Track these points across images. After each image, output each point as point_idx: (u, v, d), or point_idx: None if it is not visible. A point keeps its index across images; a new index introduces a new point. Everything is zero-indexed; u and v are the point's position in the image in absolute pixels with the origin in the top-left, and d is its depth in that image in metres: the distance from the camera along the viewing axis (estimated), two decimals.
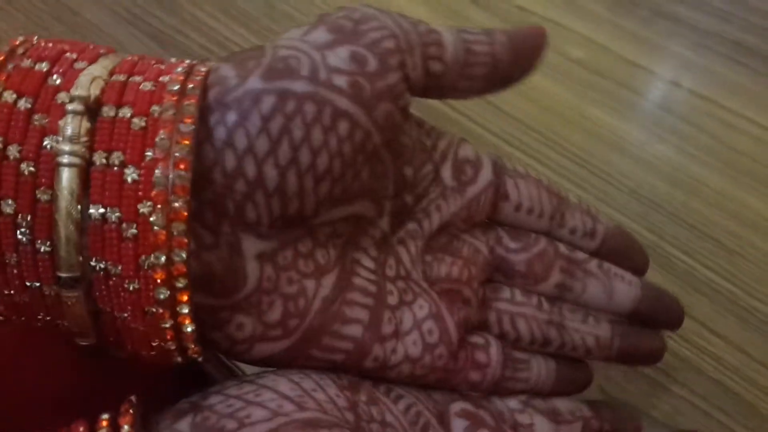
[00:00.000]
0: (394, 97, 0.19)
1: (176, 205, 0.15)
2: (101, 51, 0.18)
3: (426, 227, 0.22)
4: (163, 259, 0.15)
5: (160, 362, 0.18)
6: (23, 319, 0.17)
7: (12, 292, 0.16)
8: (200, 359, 0.18)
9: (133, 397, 0.17)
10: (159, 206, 0.15)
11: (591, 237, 0.25)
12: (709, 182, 0.38)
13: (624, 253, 0.25)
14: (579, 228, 0.25)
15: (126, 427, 0.16)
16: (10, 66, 0.16)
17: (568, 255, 0.24)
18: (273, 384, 0.18)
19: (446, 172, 0.22)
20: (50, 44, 0.17)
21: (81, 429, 0.16)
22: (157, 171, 0.15)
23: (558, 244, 0.25)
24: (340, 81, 0.18)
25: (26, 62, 0.16)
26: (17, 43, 0.17)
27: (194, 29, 0.43)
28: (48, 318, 0.17)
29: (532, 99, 0.42)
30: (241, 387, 0.18)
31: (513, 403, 0.23)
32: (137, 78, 0.17)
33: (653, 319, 0.25)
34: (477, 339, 0.23)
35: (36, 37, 0.18)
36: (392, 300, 0.21)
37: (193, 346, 0.17)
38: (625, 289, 0.24)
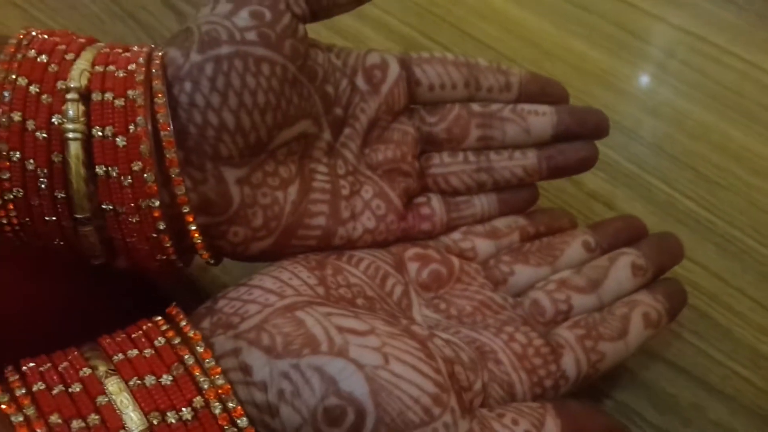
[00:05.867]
0: (293, 33, 0.25)
1: (168, 156, 0.22)
2: (82, 41, 0.24)
3: (358, 128, 0.28)
4: (156, 203, 0.22)
5: (165, 270, 0.25)
6: (41, 243, 0.23)
7: (34, 223, 0.22)
8: (212, 262, 0.25)
9: (174, 303, 0.23)
10: (148, 167, 0.22)
11: (507, 90, 0.30)
12: (694, 115, 0.39)
13: (540, 93, 0.30)
14: (494, 86, 0.30)
15: (182, 321, 0.22)
16: (19, 56, 0.22)
17: (482, 111, 0.29)
18: (260, 282, 0.24)
19: (360, 81, 0.28)
20: (45, 36, 0.23)
21: (149, 324, 0.22)
22: (142, 146, 0.22)
23: (472, 105, 0.30)
24: (251, 35, 0.24)
25: (31, 53, 0.22)
26: (21, 36, 0.23)
27: None
28: (62, 243, 0.23)
29: (514, 32, 0.42)
30: (237, 290, 0.23)
31: (456, 235, 0.30)
32: (111, 68, 0.23)
33: (574, 134, 0.29)
34: (420, 199, 0.30)
35: (34, 32, 0.23)
36: (345, 192, 0.27)
37: (204, 252, 0.24)
38: (539, 121, 0.29)
